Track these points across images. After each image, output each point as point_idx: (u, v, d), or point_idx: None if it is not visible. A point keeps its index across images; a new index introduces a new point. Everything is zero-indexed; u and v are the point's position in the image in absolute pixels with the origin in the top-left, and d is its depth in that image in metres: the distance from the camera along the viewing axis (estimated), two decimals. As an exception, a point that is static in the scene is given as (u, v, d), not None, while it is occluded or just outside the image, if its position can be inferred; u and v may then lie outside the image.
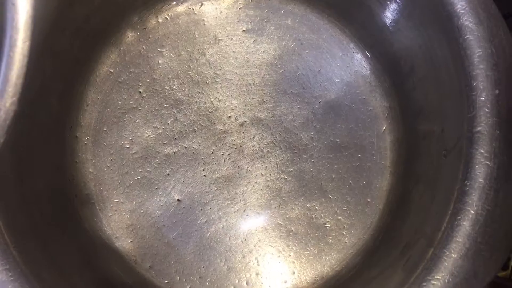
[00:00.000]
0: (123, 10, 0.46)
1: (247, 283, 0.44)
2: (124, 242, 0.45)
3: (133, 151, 0.45)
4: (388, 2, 0.41)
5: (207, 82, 0.46)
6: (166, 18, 0.46)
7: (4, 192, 0.35)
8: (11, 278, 0.31)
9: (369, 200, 0.45)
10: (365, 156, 0.45)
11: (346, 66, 0.46)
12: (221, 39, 0.46)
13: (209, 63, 0.46)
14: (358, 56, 0.46)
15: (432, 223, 0.34)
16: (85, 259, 0.41)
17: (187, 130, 0.46)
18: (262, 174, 0.45)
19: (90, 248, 0.43)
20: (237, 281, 0.44)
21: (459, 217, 0.31)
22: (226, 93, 0.46)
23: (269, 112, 0.46)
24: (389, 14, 0.42)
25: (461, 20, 0.33)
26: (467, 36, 0.32)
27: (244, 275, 0.44)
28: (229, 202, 0.45)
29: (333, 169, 0.45)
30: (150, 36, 0.46)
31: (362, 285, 0.39)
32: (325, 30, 0.47)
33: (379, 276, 0.38)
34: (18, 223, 0.35)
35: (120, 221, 0.45)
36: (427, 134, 0.40)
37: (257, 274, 0.44)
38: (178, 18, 0.46)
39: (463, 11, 0.32)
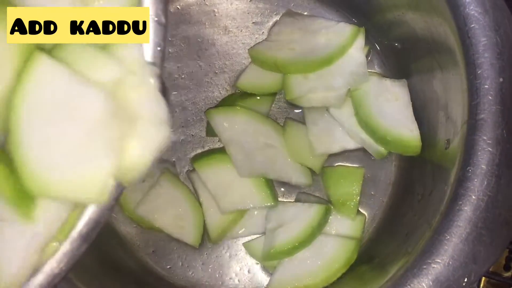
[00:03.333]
0: (136, -1, 0.47)
1: (248, 271, 0.44)
2: (128, 227, 0.45)
3: (141, 138, 0.46)
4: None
5: (216, 71, 0.47)
6: (178, 8, 0.47)
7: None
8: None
9: (372, 193, 0.45)
10: (370, 149, 0.46)
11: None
12: (231, 30, 0.47)
13: (218, 53, 0.47)
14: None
15: (434, 209, 0.34)
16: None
17: (194, 118, 0.46)
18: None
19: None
20: (239, 268, 0.44)
21: (460, 202, 0.31)
22: (234, 83, 0.47)
23: (275, 103, 0.46)
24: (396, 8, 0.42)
25: (467, 9, 0.33)
26: (472, 25, 0.33)
27: (246, 263, 0.44)
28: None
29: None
30: (161, 25, 0.47)
31: (364, 272, 0.39)
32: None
33: (381, 262, 0.38)
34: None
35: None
36: (432, 126, 0.40)
37: (258, 262, 0.44)
38: (189, 8, 0.47)
39: (469, 1, 0.33)
